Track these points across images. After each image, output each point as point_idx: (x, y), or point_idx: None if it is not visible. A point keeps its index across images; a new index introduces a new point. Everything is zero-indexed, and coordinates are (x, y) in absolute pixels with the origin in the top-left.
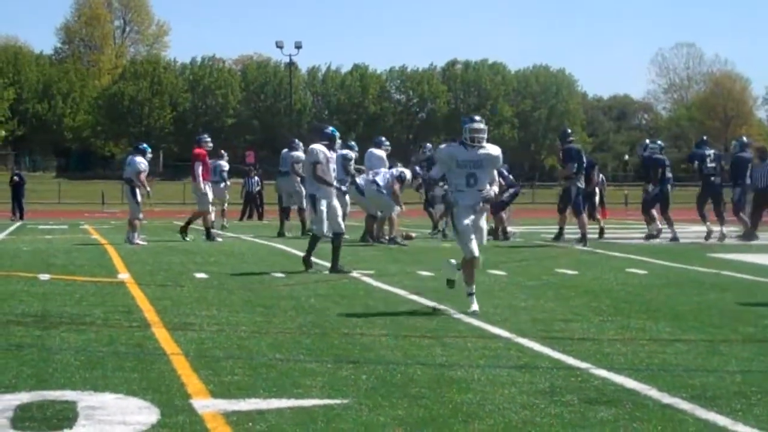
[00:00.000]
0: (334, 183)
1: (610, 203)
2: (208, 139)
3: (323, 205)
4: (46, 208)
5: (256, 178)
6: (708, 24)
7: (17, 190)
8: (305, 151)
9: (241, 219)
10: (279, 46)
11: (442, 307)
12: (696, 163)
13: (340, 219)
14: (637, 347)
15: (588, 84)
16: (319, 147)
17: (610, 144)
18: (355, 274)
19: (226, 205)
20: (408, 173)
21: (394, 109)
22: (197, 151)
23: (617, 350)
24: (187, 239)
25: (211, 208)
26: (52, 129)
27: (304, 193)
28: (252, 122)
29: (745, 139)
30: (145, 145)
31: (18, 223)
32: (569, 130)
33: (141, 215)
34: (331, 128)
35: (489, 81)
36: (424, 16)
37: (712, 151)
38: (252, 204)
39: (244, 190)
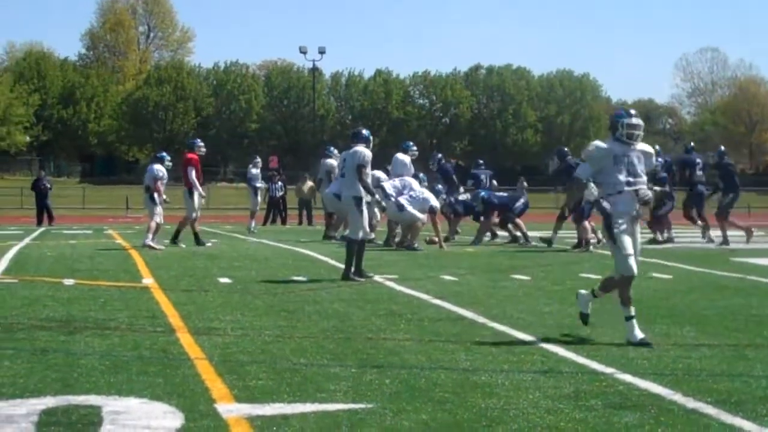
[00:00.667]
0: (373, 191)
1: None
2: (201, 144)
3: (366, 209)
4: (71, 213)
5: (280, 183)
6: (732, 29)
7: (45, 196)
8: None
9: (264, 224)
10: (302, 51)
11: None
12: (687, 171)
13: (367, 225)
14: (662, 352)
15: (612, 88)
16: (365, 150)
17: None
18: (378, 278)
19: (257, 209)
20: (437, 203)
21: (418, 114)
22: (190, 155)
23: (642, 355)
24: (208, 244)
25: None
26: (77, 134)
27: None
28: (276, 127)
29: (723, 148)
30: (163, 154)
31: (41, 229)
32: (566, 149)
33: (159, 218)
34: (366, 131)
35: (512, 86)
36: (447, 21)
37: (699, 160)
38: (275, 209)
39: (268, 195)
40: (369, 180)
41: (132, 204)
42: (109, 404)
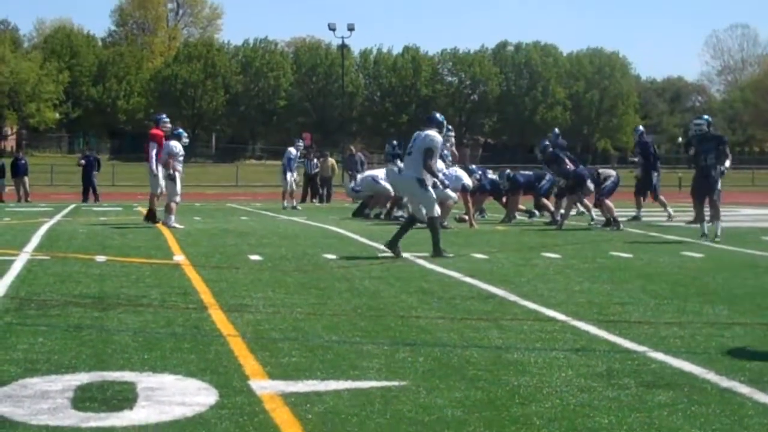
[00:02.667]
0: (437, 174)
1: (663, 185)
2: (167, 120)
3: (431, 189)
4: (101, 190)
5: (315, 160)
6: (763, 5)
7: (89, 172)
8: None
9: (303, 200)
10: (331, 28)
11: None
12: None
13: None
14: (694, 330)
15: (642, 66)
16: (437, 136)
17: (664, 126)
18: (409, 256)
19: (294, 186)
20: (469, 182)
21: (446, 91)
22: (154, 131)
23: (674, 333)
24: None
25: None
26: (106, 111)
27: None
28: (304, 104)
29: (641, 127)
30: (180, 130)
31: (72, 206)
32: (548, 140)
33: (178, 198)
34: (441, 115)
35: (540, 63)
36: None
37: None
38: (313, 185)
39: (303, 172)
40: (435, 164)
41: None
42: (144, 380)
